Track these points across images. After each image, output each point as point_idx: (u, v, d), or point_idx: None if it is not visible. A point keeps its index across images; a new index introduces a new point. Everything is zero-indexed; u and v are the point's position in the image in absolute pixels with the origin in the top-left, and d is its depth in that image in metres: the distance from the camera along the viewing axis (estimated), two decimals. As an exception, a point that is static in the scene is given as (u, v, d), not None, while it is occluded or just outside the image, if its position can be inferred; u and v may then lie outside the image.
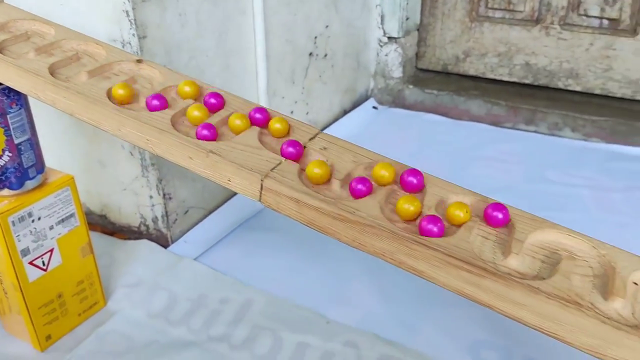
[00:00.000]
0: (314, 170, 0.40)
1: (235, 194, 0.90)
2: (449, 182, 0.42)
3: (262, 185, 0.39)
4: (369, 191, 0.39)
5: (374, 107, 1.24)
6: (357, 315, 0.70)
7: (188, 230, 0.83)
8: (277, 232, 0.84)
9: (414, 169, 0.41)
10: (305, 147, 0.43)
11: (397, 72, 1.22)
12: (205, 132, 0.43)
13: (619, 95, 1.10)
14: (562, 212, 0.86)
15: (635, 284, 0.36)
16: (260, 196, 0.40)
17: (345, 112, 1.18)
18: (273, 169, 0.40)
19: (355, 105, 1.22)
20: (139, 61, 0.53)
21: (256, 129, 0.44)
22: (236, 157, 0.41)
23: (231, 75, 0.84)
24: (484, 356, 0.63)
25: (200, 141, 0.43)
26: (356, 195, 0.40)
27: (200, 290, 0.73)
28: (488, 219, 0.39)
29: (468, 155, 1.06)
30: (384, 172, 0.41)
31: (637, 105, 1.08)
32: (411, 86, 1.22)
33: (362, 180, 0.40)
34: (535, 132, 1.11)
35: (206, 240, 0.82)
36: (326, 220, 0.37)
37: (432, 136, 1.14)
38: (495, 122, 1.14)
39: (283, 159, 0.41)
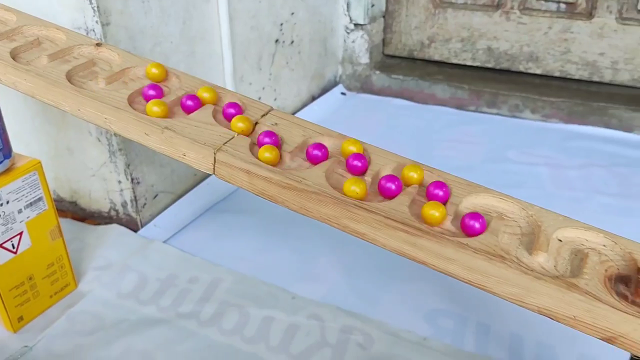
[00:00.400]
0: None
1: (204, 178, 0.92)
2: (391, 152, 0.45)
3: (215, 158, 0.42)
4: (324, 157, 0.42)
5: (343, 93, 1.27)
6: (322, 290, 0.72)
7: (158, 214, 0.85)
8: (246, 214, 0.87)
9: (353, 138, 0.44)
10: (257, 122, 0.45)
11: (364, 59, 1.25)
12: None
13: (576, 77, 1.14)
14: (520, 188, 0.89)
15: (560, 240, 0.39)
16: (214, 169, 0.42)
17: (313, 98, 1.21)
18: (225, 142, 0.42)
19: (324, 91, 1.24)
20: (98, 45, 0.55)
21: (210, 106, 0.47)
22: (190, 132, 0.43)
23: (197, 61, 0.86)
24: (441, 323, 0.67)
25: (156, 118, 0.45)
26: (312, 161, 0.42)
27: (169, 270, 0.75)
28: (428, 195, 0.41)
29: (432, 138, 1.09)
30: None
31: (593, 86, 1.12)
32: (378, 72, 1.24)
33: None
34: (497, 114, 1.15)
35: (176, 224, 0.84)
36: (275, 189, 0.40)
37: (398, 120, 1.17)
38: (459, 106, 1.18)
39: (235, 134, 0.43)
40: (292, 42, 1.08)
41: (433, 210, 0.38)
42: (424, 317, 0.68)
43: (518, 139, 1.06)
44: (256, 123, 0.45)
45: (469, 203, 0.41)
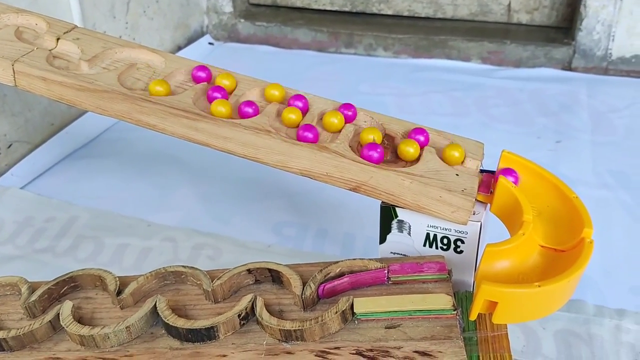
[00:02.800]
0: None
1: (62, 127, 0.93)
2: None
3: (13, 69, 0.44)
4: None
5: (210, 43, 1.30)
6: (177, 217, 0.77)
7: (14, 164, 0.85)
8: (104, 158, 0.89)
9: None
10: (59, 38, 0.48)
11: (228, 7, 1.28)
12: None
13: (423, 15, 1.23)
14: (367, 116, 0.98)
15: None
16: (15, 80, 0.45)
17: (180, 49, 1.23)
18: (24, 55, 0.45)
19: (190, 41, 1.26)
20: None
21: (14, 26, 0.49)
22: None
23: (40, 8, 0.85)
24: (285, 232, 0.73)
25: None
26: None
27: (26, 213, 0.77)
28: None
29: (295, 79, 1.14)
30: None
31: (437, 22, 1.23)
32: (243, 20, 1.28)
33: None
34: (354, 54, 1.22)
35: (33, 171, 0.85)
36: (71, 92, 0.43)
37: (265, 65, 1.22)
38: (320, 48, 1.24)
39: (35, 48, 0.46)
40: (148, -9, 1.09)
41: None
42: (271, 229, 0.74)
43: (371, 74, 1.14)
44: (58, 39, 0.48)
45: (253, 96, 0.46)
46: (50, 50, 0.47)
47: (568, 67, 1.11)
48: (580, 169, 0.83)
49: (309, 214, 0.76)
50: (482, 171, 0.50)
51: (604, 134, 0.92)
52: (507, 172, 0.46)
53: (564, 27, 1.17)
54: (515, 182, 0.46)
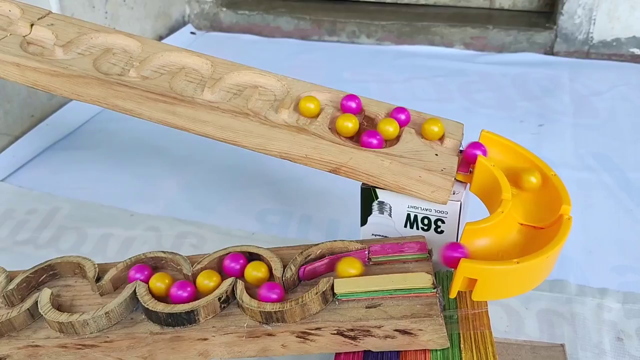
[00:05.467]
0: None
1: (42, 119, 0.92)
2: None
3: (-15, 56, 0.44)
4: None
5: (192, 33, 1.29)
6: (160, 206, 0.76)
7: (-6, 157, 0.84)
8: (86, 149, 0.88)
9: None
10: (33, 24, 0.48)
11: (210, -4, 1.27)
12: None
13: (405, 1, 1.23)
14: (350, 103, 0.97)
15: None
16: (-14, 67, 0.44)
17: (161, 39, 1.21)
18: (-5, 41, 0.44)
19: (172, 31, 1.25)
20: None
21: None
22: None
23: (16, -2, 0.84)
24: (269, 220, 0.73)
25: None
26: None
27: (6, 206, 0.76)
28: None
29: (278, 67, 1.12)
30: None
31: (420, 8, 1.22)
32: (225, 9, 1.27)
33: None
34: (337, 41, 1.22)
35: (13, 163, 0.84)
36: (45, 78, 0.43)
37: (248, 54, 1.21)
38: (303, 36, 1.23)
39: (8, 34, 0.46)
40: (127, -20, 1.07)
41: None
42: (254, 217, 0.74)
43: (354, 62, 1.14)
44: (32, 25, 0.48)
45: (231, 79, 0.46)
46: (24, 36, 0.46)
47: (550, 52, 1.11)
48: (562, 152, 0.84)
49: (293, 201, 0.76)
50: (461, 151, 0.50)
51: (586, 117, 0.92)
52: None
53: (545, 11, 1.18)
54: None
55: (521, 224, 0.43)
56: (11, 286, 0.43)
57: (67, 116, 0.94)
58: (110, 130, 0.93)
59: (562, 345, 0.50)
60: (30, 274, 0.44)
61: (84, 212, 0.74)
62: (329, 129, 0.41)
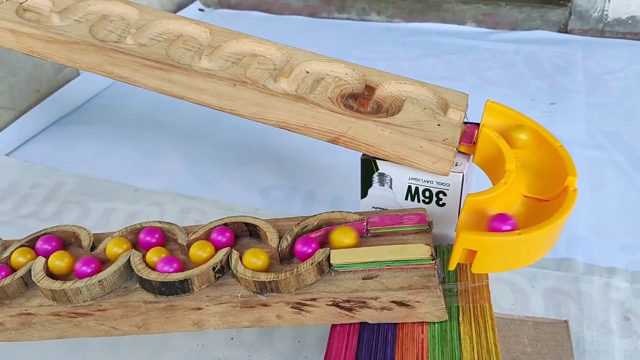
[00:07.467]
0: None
1: (48, 94, 0.92)
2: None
3: (-21, 21, 0.43)
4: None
5: (200, 9, 1.27)
6: (164, 181, 0.76)
7: (0, 130, 0.84)
8: (90, 125, 0.88)
9: None
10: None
11: (218, -27, 1.25)
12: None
13: (417, -22, 1.20)
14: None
15: (307, 72, 0.44)
16: (-19, 32, 0.44)
17: (169, 16, 1.20)
18: (-10, 7, 0.44)
19: (180, 7, 1.24)
20: None
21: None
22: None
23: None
24: (273, 195, 0.72)
25: None
26: None
27: (11, 180, 0.76)
28: None
29: (286, 44, 1.13)
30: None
31: (432, -15, 1.20)
32: (233, -14, 1.25)
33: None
34: (347, 19, 1.20)
35: (19, 138, 0.84)
36: (41, 45, 0.42)
37: (255, 31, 1.17)
38: (312, 13, 1.22)
39: (4, 0, 0.45)
40: (134, -45, 1.06)
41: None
42: (258, 192, 0.73)
43: (364, 39, 1.12)
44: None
45: (230, 48, 0.45)
46: (20, 3, 0.46)
47: (564, 30, 1.09)
48: (574, 130, 0.82)
49: (297, 177, 0.75)
50: (466, 123, 0.48)
51: (598, 96, 0.90)
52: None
53: (561, -12, 1.15)
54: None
55: (525, 196, 0.42)
56: (5, 254, 0.43)
57: (73, 92, 0.94)
58: (116, 106, 0.92)
59: (566, 322, 0.49)
60: (25, 242, 0.44)
61: (88, 186, 0.74)
62: (328, 98, 0.40)
